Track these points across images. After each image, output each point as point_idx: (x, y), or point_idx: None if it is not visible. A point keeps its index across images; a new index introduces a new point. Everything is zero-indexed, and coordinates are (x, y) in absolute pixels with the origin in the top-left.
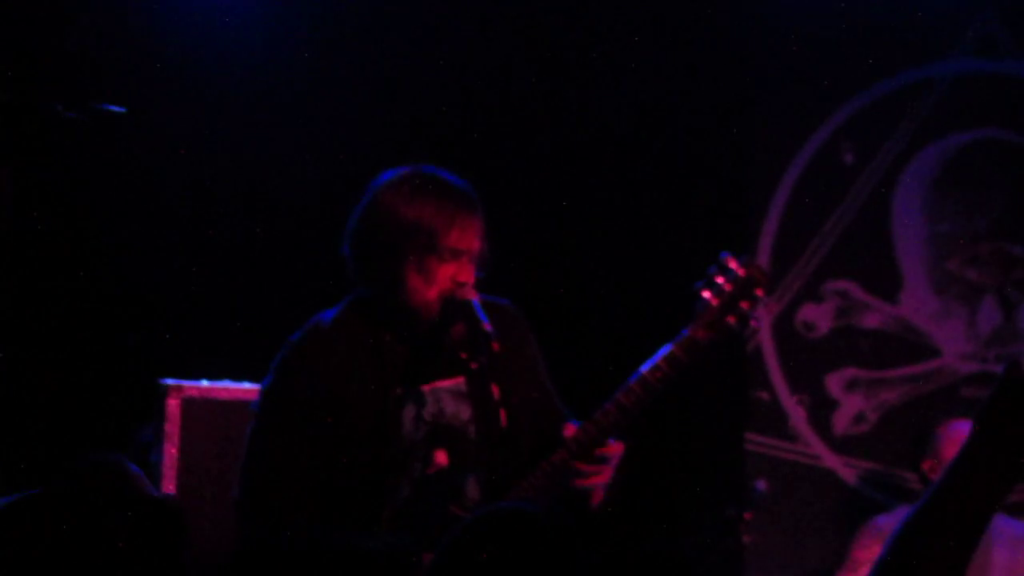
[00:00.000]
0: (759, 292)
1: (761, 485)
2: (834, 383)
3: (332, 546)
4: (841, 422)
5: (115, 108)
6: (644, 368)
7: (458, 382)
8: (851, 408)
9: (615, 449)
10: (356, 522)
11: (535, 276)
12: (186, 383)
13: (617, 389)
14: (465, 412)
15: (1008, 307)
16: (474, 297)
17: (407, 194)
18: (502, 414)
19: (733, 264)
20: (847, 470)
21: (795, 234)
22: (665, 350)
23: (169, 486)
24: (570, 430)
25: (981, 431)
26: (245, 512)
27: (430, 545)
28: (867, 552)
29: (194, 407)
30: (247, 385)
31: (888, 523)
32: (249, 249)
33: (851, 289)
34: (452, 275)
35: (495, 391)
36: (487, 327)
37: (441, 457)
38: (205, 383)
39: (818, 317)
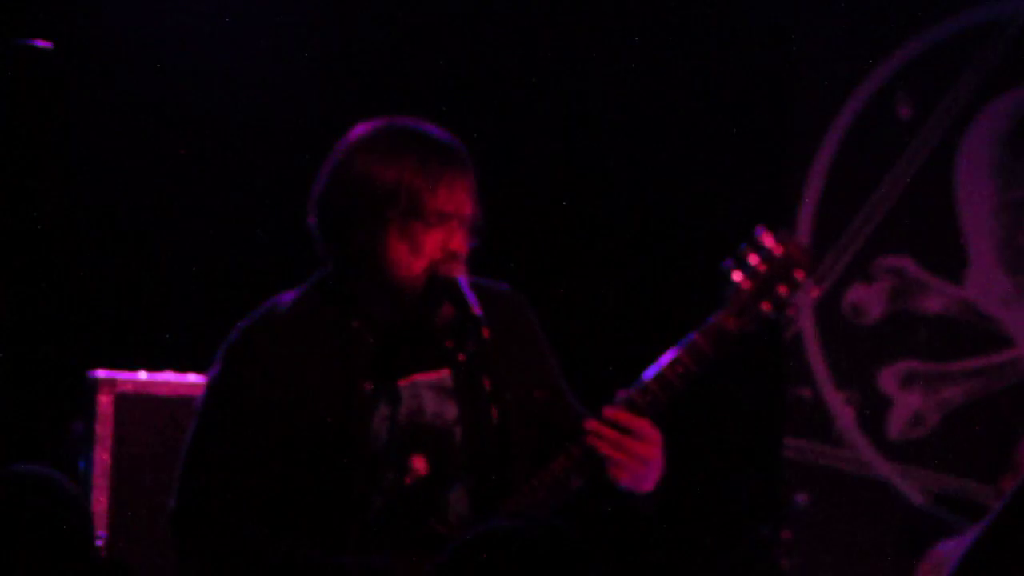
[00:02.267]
0: (799, 274)
1: (801, 499)
2: (888, 378)
3: (287, 571)
4: (896, 424)
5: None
6: (662, 363)
7: (442, 376)
8: (908, 408)
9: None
10: (317, 542)
11: (538, 257)
12: (120, 376)
13: (630, 387)
14: (450, 411)
15: None
16: (461, 275)
17: (383, 151)
18: (494, 413)
19: (769, 240)
20: (903, 480)
21: (842, 201)
22: (687, 341)
23: (100, 498)
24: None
25: None
26: (181, 529)
27: (406, 570)
28: None
29: (129, 404)
30: (193, 379)
31: (955, 548)
32: (197, 218)
33: (907, 267)
34: (442, 243)
35: (486, 386)
36: (476, 310)
37: (420, 464)
38: (143, 376)
39: (869, 300)
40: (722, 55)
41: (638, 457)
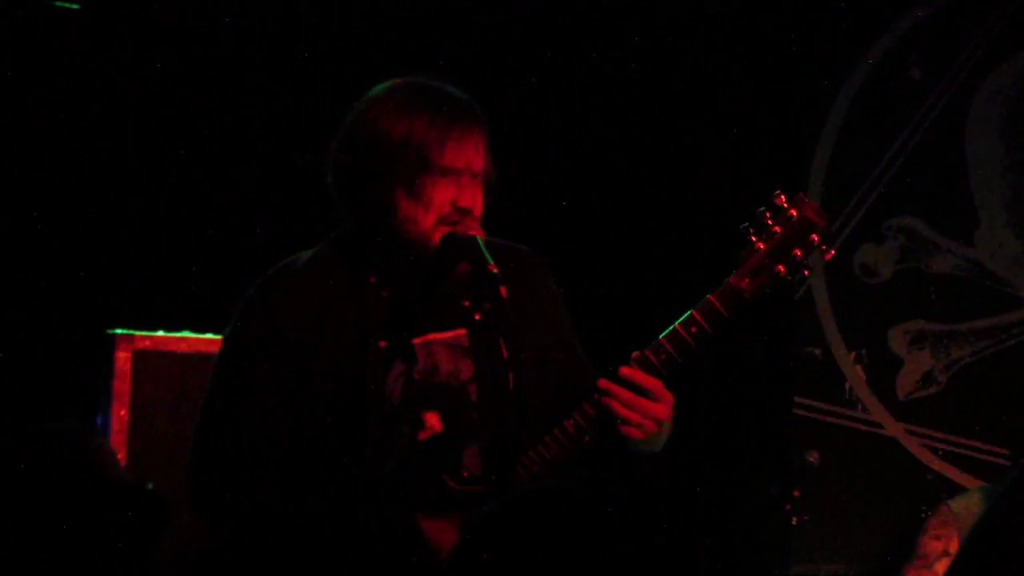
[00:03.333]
0: (814, 237)
1: (812, 457)
2: (898, 338)
3: (304, 521)
4: (906, 384)
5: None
6: (677, 323)
7: (458, 335)
8: (918, 367)
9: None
10: (331, 496)
11: (554, 218)
12: (138, 333)
13: (646, 347)
14: (465, 370)
15: None
16: (478, 232)
17: (395, 107)
18: (510, 374)
19: (785, 203)
20: (913, 440)
21: (852, 162)
22: (703, 302)
23: (118, 455)
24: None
25: None
26: (198, 485)
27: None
28: (938, 543)
29: (147, 361)
30: (210, 336)
31: (964, 508)
32: (216, 176)
33: (917, 227)
34: (452, 198)
35: (502, 346)
36: (493, 268)
37: (434, 421)
38: (161, 333)
39: (879, 260)
40: (733, 20)
41: (651, 416)
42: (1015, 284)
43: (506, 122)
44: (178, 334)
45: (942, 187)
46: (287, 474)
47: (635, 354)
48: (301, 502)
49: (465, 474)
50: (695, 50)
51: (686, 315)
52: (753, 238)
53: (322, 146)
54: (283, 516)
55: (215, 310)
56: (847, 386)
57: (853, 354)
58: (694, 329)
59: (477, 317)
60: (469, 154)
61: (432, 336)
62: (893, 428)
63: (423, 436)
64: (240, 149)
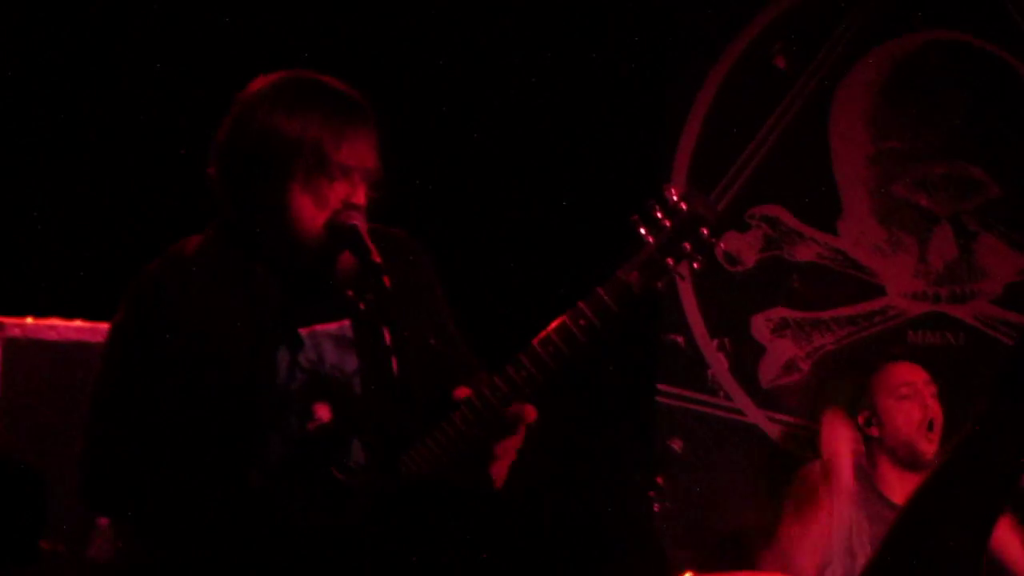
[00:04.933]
0: (704, 231)
1: (676, 445)
2: (760, 325)
3: (194, 514)
4: (769, 371)
5: None
6: (565, 316)
7: (342, 326)
8: (780, 355)
9: (528, 413)
10: (220, 486)
11: (437, 208)
12: (8, 320)
13: (533, 339)
14: (350, 363)
15: (964, 238)
16: (359, 221)
17: (287, 104)
18: (393, 365)
19: (674, 196)
20: (775, 427)
21: (717, 151)
22: (591, 295)
23: None
24: (464, 392)
25: (998, 398)
26: (89, 473)
27: (309, 512)
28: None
29: (17, 349)
30: (80, 324)
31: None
32: (93, 154)
33: (781, 216)
34: (344, 196)
35: (386, 336)
36: (376, 257)
37: (323, 412)
38: (30, 321)
39: (742, 248)
40: (600, 7)
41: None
42: (878, 272)
43: (387, 113)
44: (48, 320)
45: (806, 176)
46: (177, 462)
47: (522, 354)
48: (191, 495)
49: (352, 466)
50: (562, 36)
51: (574, 308)
52: (642, 231)
53: (194, 132)
54: (174, 509)
55: (85, 296)
56: (710, 373)
57: (716, 341)
58: (582, 323)
59: (361, 307)
60: (363, 153)
61: (318, 327)
62: (755, 415)
63: (311, 428)
64: (112, 133)
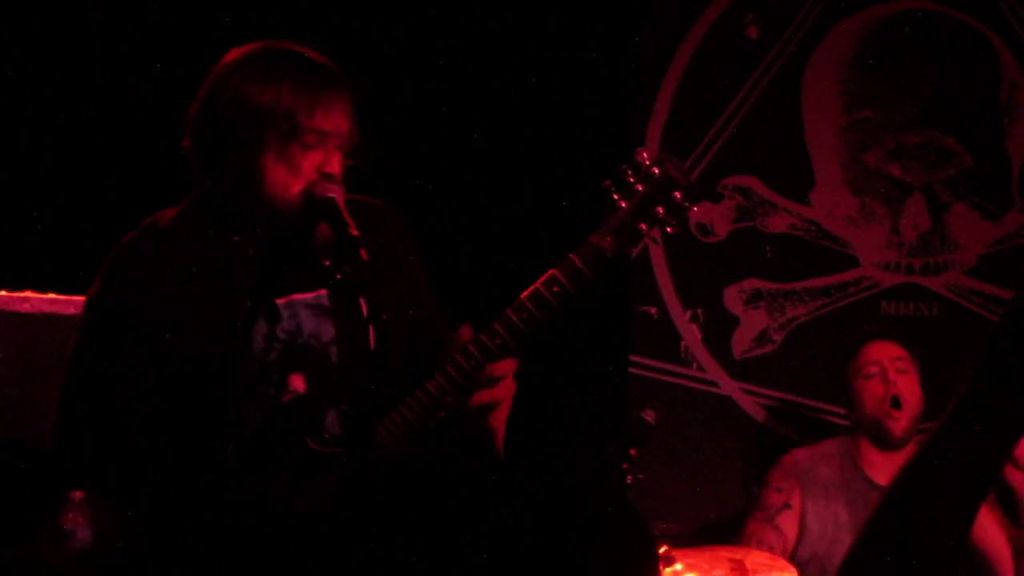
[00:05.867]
0: (677, 195)
1: (649, 416)
2: (733, 297)
3: (166, 488)
4: (741, 342)
5: None
6: (539, 282)
7: (319, 295)
8: (753, 326)
9: (508, 365)
10: (196, 457)
11: (412, 178)
12: None
13: (508, 306)
14: (327, 331)
15: (937, 209)
16: (337, 194)
17: (260, 73)
18: (370, 334)
19: (646, 160)
20: (748, 398)
21: (689, 121)
22: (564, 261)
23: None
24: (451, 352)
25: (981, 379)
26: (64, 444)
27: (283, 485)
28: (780, 496)
29: None
30: (52, 297)
31: (806, 459)
32: (66, 127)
33: (754, 186)
34: (318, 164)
35: (363, 307)
36: (353, 230)
37: (298, 383)
38: (3, 293)
39: (715, 219)
40: None
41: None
42: (851, 243)
43: (361, 84)
44: (20, 293)
45: (779, 147)
46: (153, 433)
47: (496, 324)
48: (166, 465)
49: (326, 436)
50: (535, 7)
51: (548, 275)
52: (615, 196)
53: (171, 103)
54: (149, 480)
55: (56, 270)
56: (683, 345)
57: (689, 313)
58: (556, 289)
59: (338, 277)
60: (336, 120)
61: (295, 296)
62: (728, 387)
63: (286, 399)
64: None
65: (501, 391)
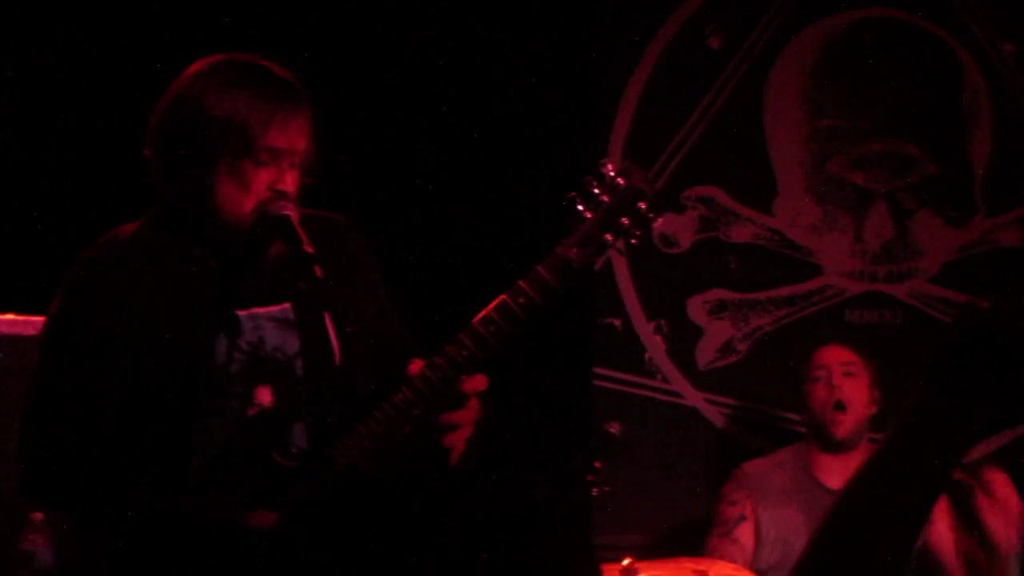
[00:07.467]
0: (642, 205)
1: (613, 428)
2: (697, 307)
3: (132, 506)
4: (706, 353)
5: None
6: (505, 295)
7: (284, 308)
8: (717, 336)
9: (477, 382)
10: (160, 472)
11: (375, 191)
12: None
13: (474, 318)
14: (292, 344)
15: (900, 217)
16: (291, 211)
17: (217, 85)
18: (335, 347)
19: (611, 171)
20: (713, 409)
21: (651, 132)
22: (530, 273)
23: None
24: (416, 367)
25: (931, 387)
26: (28, 465)
27: (248, 501)
28: (734, 509)
29: None
30: (14, 317)
31: (759, 469)
32: (26, 144)
33: (717, 196)
34: (270, 182)
35: (327, 320)
36: (307, 247)
37: (264, 396)
38: None
39: (678, 229)
40: None
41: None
42: (814, 251)
43: (324, 97)
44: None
45: (741, 156)
46: (117, 449)
47: (463, 336)
48: (130, 483)
49: (293, 450)
50: (497, 14)
51: (513, 287)
52: (580, 207)
53: (131, 119)
54: (114, 499)
55: (14, 290)
56: (647, 356)
57: (653, 324)
58: (522, 300)
59: (301, 287)
60: (292, 137)
61: (258, 309)
62: (693, 398)
63: (252, 412)
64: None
65: (469, 414)
